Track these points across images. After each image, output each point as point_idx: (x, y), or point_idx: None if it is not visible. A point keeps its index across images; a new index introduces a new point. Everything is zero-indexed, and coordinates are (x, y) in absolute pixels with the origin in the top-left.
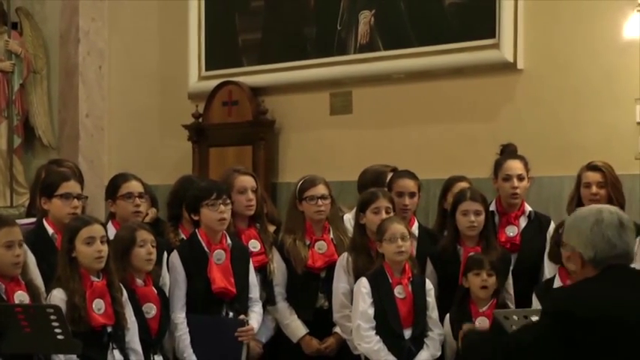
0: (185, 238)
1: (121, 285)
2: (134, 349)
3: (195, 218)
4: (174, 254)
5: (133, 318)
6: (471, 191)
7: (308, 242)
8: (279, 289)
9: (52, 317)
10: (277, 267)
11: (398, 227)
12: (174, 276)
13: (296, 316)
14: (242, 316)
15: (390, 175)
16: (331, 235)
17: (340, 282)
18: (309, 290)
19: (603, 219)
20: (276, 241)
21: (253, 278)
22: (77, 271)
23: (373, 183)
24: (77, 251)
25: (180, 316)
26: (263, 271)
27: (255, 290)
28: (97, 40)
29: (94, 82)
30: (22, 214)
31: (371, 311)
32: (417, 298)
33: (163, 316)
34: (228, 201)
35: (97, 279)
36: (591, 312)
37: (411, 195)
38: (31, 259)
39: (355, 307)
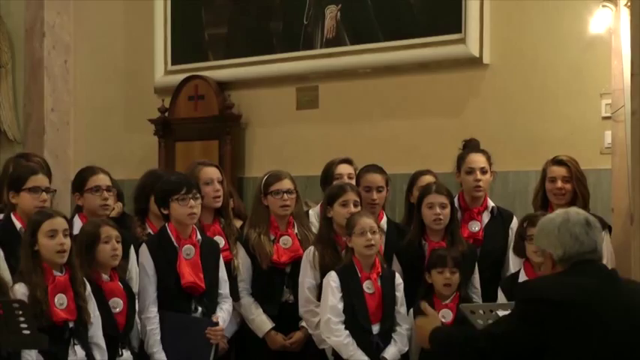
0: (152, 232)
1: (85, 279)
2: (97, 344)
3: (165, 212)
4: (144, 248)
5: (97, 312)
6: (437, 184)
7: (273, 237)
8: (244, 285)
9: (18, 312)
10: (242, 262)
11: (367, 221)
12: (143, 270)
13: (261, 310)
14: (214, 316)
15: (338, 166)
16: (296, 230)
17: (306, 277)
18: (275, 285)
19: (570, 218)
20: (241, 236)
21: (223, 274)
22: (39, 265)
23: (324, 175)
24: (39, 244)
25: (152, 310)
26: (227, 266)
27: (225, 286)
28: (63, 34)
29: (59, 76)
30: None
31: (340, 305)
32: (385, 293)
33: (130, 310)
34: (198, 195)
35: (59, 273)
36: (560, 296)
37: (379, 189)
38: None
39: (324, 300)
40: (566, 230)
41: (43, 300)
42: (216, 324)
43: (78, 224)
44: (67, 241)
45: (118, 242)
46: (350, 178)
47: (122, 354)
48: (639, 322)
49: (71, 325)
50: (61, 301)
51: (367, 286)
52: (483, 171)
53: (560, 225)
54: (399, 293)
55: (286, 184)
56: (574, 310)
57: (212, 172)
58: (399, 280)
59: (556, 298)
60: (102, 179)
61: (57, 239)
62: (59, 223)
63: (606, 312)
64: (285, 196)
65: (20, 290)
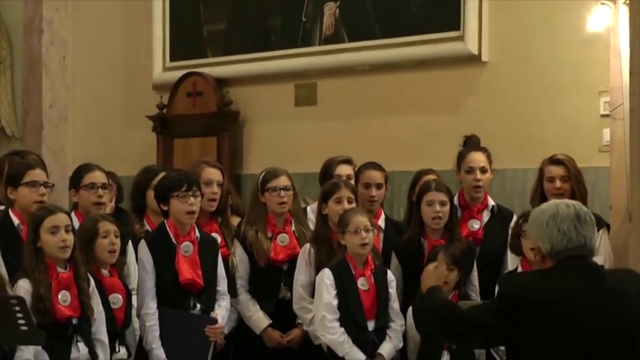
0: (150, 229)
1: (88, 275)
2: (100, 340)
3: (165, 208)
4: (142, 244)
5: (101, 308)
6: (436, 182)
7: (270, 234)
8: (242, 282)
9: (16, 308)
10: (239, 259)
11: (361, 219)
12: (142, 266)
13: (258, 307)
14: (213, 314)
15: (338, 166)
16: (293, 228)
17: (300, 274)
18: (272, 282)
19: (559, 213)
20: (238, 234)
21: (222, 271)
22: (42, 261)
23: (323, 173)
24: (42, 241)
25: (151, 307)
26: (225, 263)
27: (223, 283)
28: (61, 31)
29: (57, 72)
30: None
31: (335, 302)
32: (379, 289)
33: (128, 306)
34: (198, 193)
35: (63, 270)
36: (541, 296)
37: (378, 186)
38: None
39: (319, 298)
40: (555, 225)
41: (47, 297)
42: (216, 321)
43: (74, 221)
44: (70, 237)
45: (116, 237)
46: (349, 179)
47: (119, 350)
48: (619, 323)
49: (74, 321)
50: (64, 297)
51: (361, 283)
52: (483, 170)
53: (548, 219)
54: (392, 290)
55: (283, 180)
56: (551, 310)
57: (213, 174)
58: (391, 276)
59: (533, 297)
60: (97, 176)
61: (59, 235)
62: (61, 219)
63: (586, 313)
64: (283, 193)
65: (24, 286)
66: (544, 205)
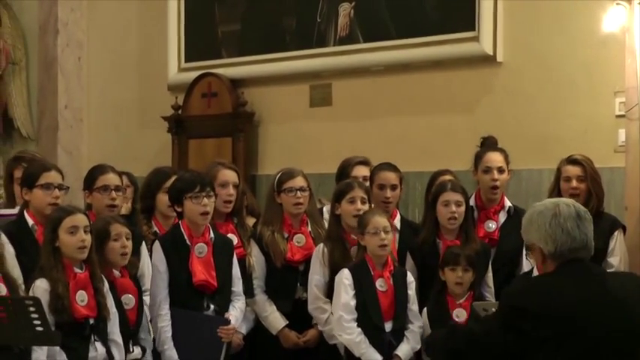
0: (158, 231)
1: (102, 276)
2: (115, 341)
3: (179, 210)
4: (157, 246)
5: (115, 309)
6: (452, 182)
7: (286, 235)
8: (258, 282)
9: (31, 309)
10: (256, 260)
11: (380, 220)
12: (156, 267)
13: (275, 307)
14: (226, 315)
15: (355, 168)
16: (309, 228)
17: (315, 274)
18: (288, 282)
19: (560, 212)
20: (255, 234)
21: (237, 271)
22: (60, 261)
23: (340, 174)
24: (60, 241)
25: (164, 308)
26: (242, 263)
27: (238, 284)
28: (76, 31)
29: (73, 73)
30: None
31: (353, 303)
32: (398, 291)
33: (140, 307)
34: (212, 194)
35: (79, 270)
36: (543, 308)
37: (393, 187)
38: (10, 251)
39: (337, 298)
40: (558, 225)
41: (65, 296)
42: (228, 322)
43: None
44: (88, 238)
45: (128, 240)
46: (365, 180)
47: (133, 350)
48: (624, 332)
49: (91, 321)
50: (81, 297)
51: (380, 284)
52: (500, 170)
53: (551, 219)
54: (411, 291)
55: (299, 181)
56: (555, 323)
57: (229, 176)
58: (410, 278)
59: (537, 309)
60: (111, 179)
61: (78, 236)
62: (80, 219)
63: (591, 324)
64: (299, 193)
65: (42, 286)
66: (539, 206)
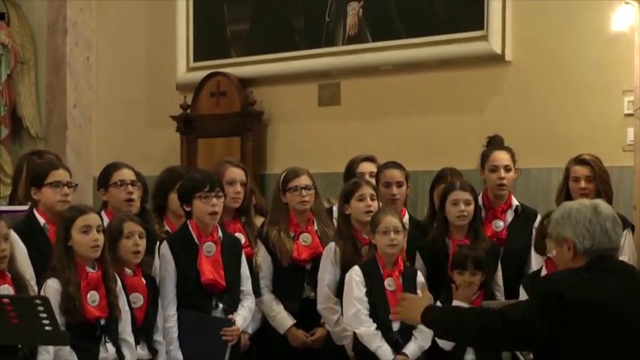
0: (170, 230)
1: (115, 274)
2: (126, 340)
3: (188, 209)
4: (165, 245)
5: (127, 308)
6: (461, 181)
7: (292, 234)
8: (265, 282)
9: (40, 309)
10: (263, 259)
11: (392, 220)
12: (164, 267)
13: (282, 307)
14: (230, 316)
15: (360, 164)
16: (315, 227)
17: (326, 273)
18: (295, 282)
19: (602, 211)
20: (261, 234)
21: (246, 271)
22: (73, 260)
23: (347, 172)
24: (73, 240)
25: (171, 308)
26: (249, 262)
27: (247, 283)
28: (85, 31)
29: (81, 72)
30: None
31: (366, 299)
32: (407, 290)
33: (150, 306)
34: (221, 194)
35: (92, 270)
36: (579, 296)
37: (399, 184)
38: (21, 250)
39: (348, 293)
40: (598, 223)
41: (76, 296)
42: (233, 323)
43: (104, 220)
44: (101, 237)
45: (141, 238)
46: (371, 176)
47: (137, 349)
48: None
49: (102, 322)
50: (93, 298)
51: (389, 283)
52: (507, 169)
53: (591, 216)
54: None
55: (304, 180)
56: (594, 312)
57: (236, 174)
58: (420, 278)
59: (576, 297)
60: (126, 174)
61: (91, 235)
62: (93, 219)
63: (627, 313)
64: (304, 192)
65: (53, 286)
66: (574, 203)
